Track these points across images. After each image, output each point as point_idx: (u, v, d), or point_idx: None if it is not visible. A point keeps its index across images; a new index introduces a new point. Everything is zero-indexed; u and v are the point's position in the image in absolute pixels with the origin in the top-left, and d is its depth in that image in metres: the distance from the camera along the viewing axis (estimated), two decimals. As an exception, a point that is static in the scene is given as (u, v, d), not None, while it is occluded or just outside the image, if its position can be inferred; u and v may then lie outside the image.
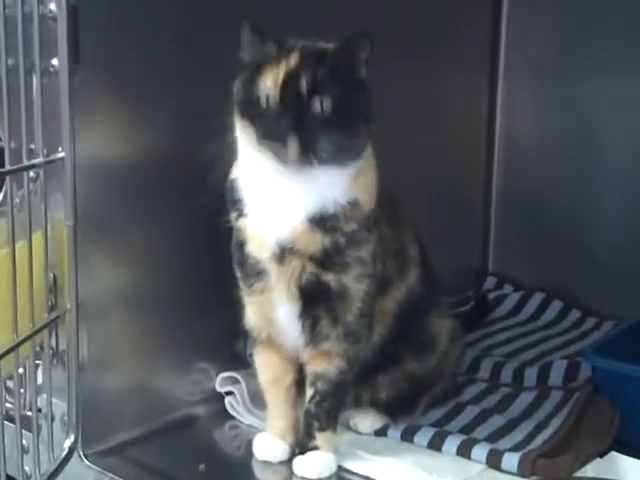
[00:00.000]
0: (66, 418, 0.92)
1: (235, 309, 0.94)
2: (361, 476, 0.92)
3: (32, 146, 0.89)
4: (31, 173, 0.87)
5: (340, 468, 0.93)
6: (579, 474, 0.87)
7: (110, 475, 0.92)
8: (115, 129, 0.95)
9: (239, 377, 1.05)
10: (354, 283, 0.90)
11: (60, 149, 0.89)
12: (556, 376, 1.12)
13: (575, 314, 1.36)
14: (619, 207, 1.38)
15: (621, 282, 1.35)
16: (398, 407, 1.01)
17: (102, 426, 0.95)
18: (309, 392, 0.93)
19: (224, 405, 1.05)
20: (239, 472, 0.96)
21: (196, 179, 0.92)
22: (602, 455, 0.92)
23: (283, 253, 0.87)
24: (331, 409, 0.93)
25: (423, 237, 1.03)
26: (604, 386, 1.03)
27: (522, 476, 0.90)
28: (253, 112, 0.83)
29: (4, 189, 0.85)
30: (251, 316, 0.95)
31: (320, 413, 0.93)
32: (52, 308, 0.92)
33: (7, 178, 0.83)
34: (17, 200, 0.86)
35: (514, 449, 0.94)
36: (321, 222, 0.86)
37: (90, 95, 0.90)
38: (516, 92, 1.46)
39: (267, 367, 0.96)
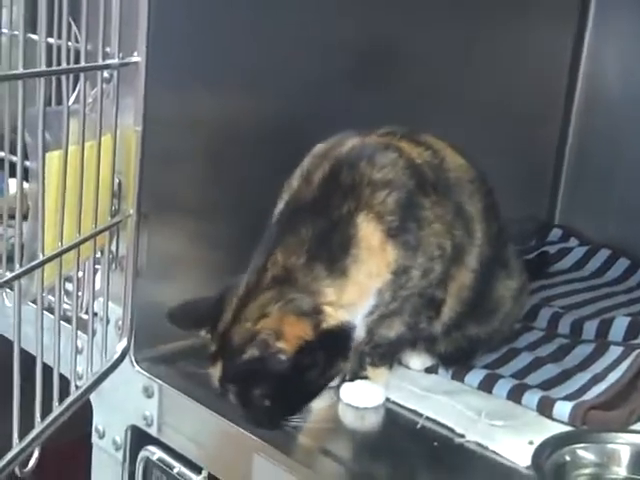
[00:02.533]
0: (120, 323, 0.92)
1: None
2: (408, 409, 0.92)
3: (108, 49, 0.88)
4: (105, 73, 0.86)
5: (387, 400, 0.93)
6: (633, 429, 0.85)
7: (159, 382, 0.93)
8: (196, 40, 0.94)
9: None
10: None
11: (135, 53, 0.88)
12: (617, 332, 1.09)
13: (641, 274, 1.33)
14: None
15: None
16: (454, 360, 0.99)
17: (155, 334, 0.96)
18: (362, 334, 0.89)
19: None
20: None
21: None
22: (658, 413, 0.90)
23: None
24: (387, 352, 0.92)
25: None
26: (667, 346, 1.00)
27: (573, 425, 0.88)
28: None
29: (78, 87, 0.84)
30: None
31: (374, 354, 0.92)
32: (115, 213, 0.92)
33: (81, 76, 0.82)
34: (89, 100, 0.86)
35: (567, 398, 0.92)
36: None
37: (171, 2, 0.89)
38: (603, 40, 1.41)
39: None
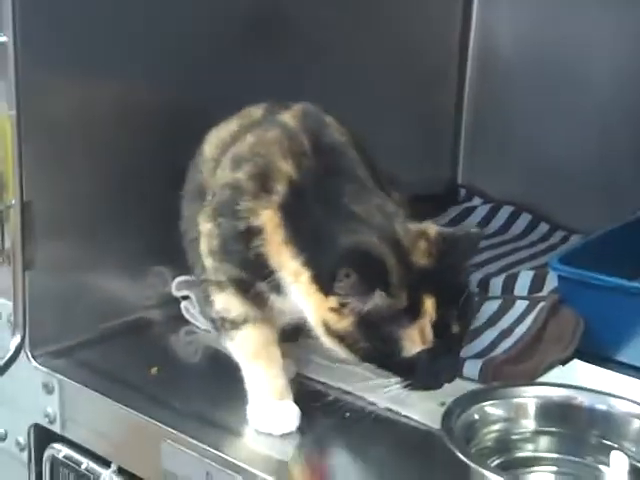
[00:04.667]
0: (12, 318, 0.88)
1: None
2: (318, 382, 0.90)
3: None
4: (-31, 55, 0.81)
5: (298, 374, 0.91)
6: (541, 380, 0.85)
7: (59, 377, 0.89)
8: (65, 12, 0.89)
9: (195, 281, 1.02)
10: None
11: (1, 33, 0.83)
12: (522, 286, 1.10)
13: (543, 227, 1.34)
14: (591, 119, 1.34)
15: (589, 196, 1.32)
16: None
17: (51, 327, 0.92)
18: None
19: (180, 310, 1.02)
20: (193, 376, 0.93)
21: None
22: (564, 363, 0.91)
23: None
24: None
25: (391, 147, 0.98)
26: (569, 295, 1.01)
27: (484, 383, 0.88)
28: None
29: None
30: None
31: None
32: (-4, 204, 0.87)
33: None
34: (-45, 85, 0.81)
35: (476, 356, 0.92)
36: None
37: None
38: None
39: (255, 341, 0.84)
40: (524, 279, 1.10)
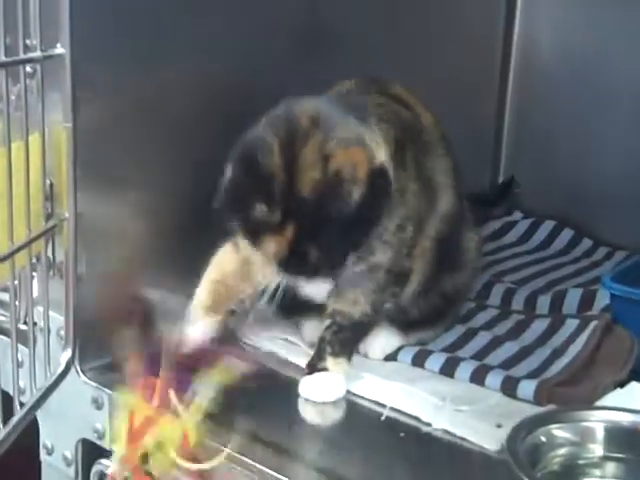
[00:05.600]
0: (63, 332, 0.87)
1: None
2: (371, 401, 0.89)
3: (29, 42, 0.82)
4: (28, 68, 0.80)
5: (348, 392, 0.90)
6: (598, 404, 0.84)
7: (108, 392, 0.88)
8: (123, 30, 0.89)
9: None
10: (384, 255, 0.87)
11: (59, 45, 0.82)
12: (570, 304, 1.08)
13: (586, 243, 1.33)
14: (635, 136, 1.33)
15: (634, 212, 1.31)
16: (423, 323, 0.97)
17: (101, 341, 0.90)
18: (326, 322, 0.90)
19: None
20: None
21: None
22: (622, 385, 0.89)
23: None
24: (348, 339, 0.90)
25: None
26: (622, 315, 0.99)
27: (538, 404, 0.86)
28: None
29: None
30: None
31: (335, 341, 0.89)
32: (49, 217, 0.86)
33: (1, 71, 0.76)
34: (13, 97, 0.80)
35: (530, 376, 0.91)
36: None
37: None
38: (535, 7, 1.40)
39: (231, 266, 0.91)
40: (573, 297, 1.09)
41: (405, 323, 0.97)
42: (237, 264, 0.91)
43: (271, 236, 0.81)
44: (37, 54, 0.80)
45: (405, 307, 0.96)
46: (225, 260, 0.92)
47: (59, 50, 0.82)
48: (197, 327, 0.90)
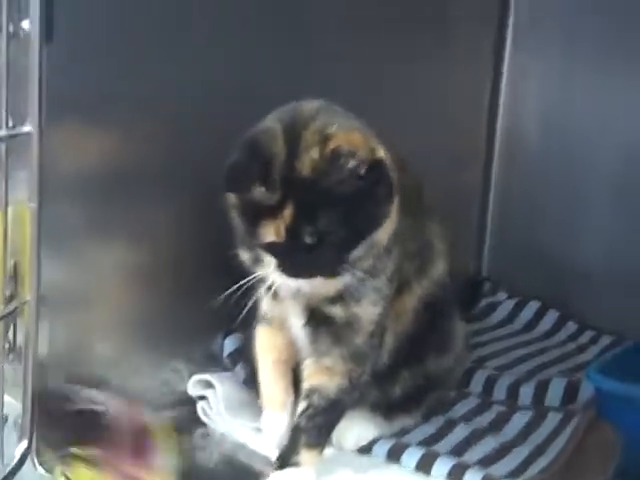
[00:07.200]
0: (20, 421, 0.83)
1: (210, 303, 0.86)
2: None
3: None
4: (-7, 145, 0.78)
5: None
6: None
7: (67, 486, 0.84)
8: (92, 105, 0.86)
9: (213, 381, 0.97)
10: (367, 308, 0.84)
11: (27, 123, 0.80)
12: (554, 395, 1.04)
13: (571, 326, 1.29)
14: (620, 217, 1.31)
15: (619, 295, 1.28)
16: (401, 405, 0.94)
17: (61, 432, 0.86)
18: (301, 405, 0.86)
19: (196, 410, 0.97)
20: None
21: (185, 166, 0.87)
22: (606, 487, 0.86)
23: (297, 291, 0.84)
24: (323, 426, 0.86)
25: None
26: (607, 409, 0.96)
27: (518, 507, 0.83)
28: None
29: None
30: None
31: (311, 428, 0.86)
32: (11, 298, 0.83)
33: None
34: (-25, 177, 0.77)
35: (510, 476, 0.87)
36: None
37: (64, 64, 0.81)
38: (520, 93, 1.39)
39: (271, 347, 0.91)
40: (557, 387, 1.05)
41: (385, 406, 0.94)
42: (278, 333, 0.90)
43: (270, 221, 0.78)
44: (3, 132, 0.78)
45: (386, 387, 0.93)
46: (267, 336, 0.91)
47: (27, 128, 0.80)
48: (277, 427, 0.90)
